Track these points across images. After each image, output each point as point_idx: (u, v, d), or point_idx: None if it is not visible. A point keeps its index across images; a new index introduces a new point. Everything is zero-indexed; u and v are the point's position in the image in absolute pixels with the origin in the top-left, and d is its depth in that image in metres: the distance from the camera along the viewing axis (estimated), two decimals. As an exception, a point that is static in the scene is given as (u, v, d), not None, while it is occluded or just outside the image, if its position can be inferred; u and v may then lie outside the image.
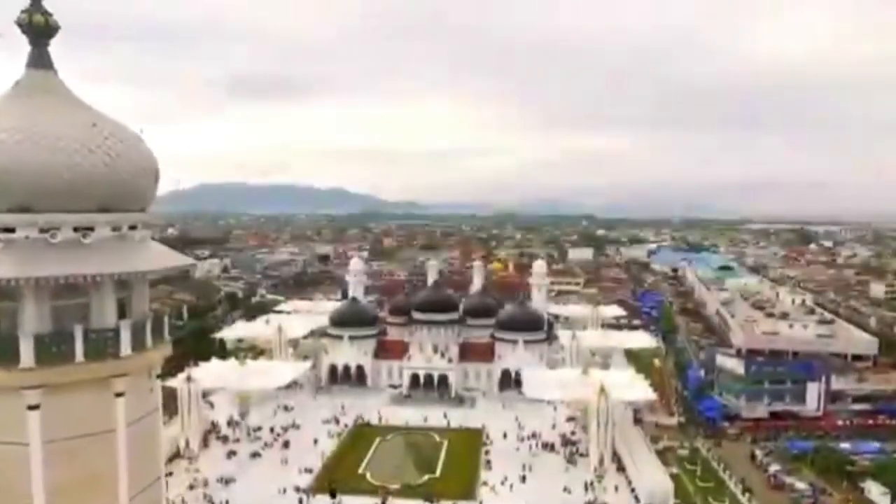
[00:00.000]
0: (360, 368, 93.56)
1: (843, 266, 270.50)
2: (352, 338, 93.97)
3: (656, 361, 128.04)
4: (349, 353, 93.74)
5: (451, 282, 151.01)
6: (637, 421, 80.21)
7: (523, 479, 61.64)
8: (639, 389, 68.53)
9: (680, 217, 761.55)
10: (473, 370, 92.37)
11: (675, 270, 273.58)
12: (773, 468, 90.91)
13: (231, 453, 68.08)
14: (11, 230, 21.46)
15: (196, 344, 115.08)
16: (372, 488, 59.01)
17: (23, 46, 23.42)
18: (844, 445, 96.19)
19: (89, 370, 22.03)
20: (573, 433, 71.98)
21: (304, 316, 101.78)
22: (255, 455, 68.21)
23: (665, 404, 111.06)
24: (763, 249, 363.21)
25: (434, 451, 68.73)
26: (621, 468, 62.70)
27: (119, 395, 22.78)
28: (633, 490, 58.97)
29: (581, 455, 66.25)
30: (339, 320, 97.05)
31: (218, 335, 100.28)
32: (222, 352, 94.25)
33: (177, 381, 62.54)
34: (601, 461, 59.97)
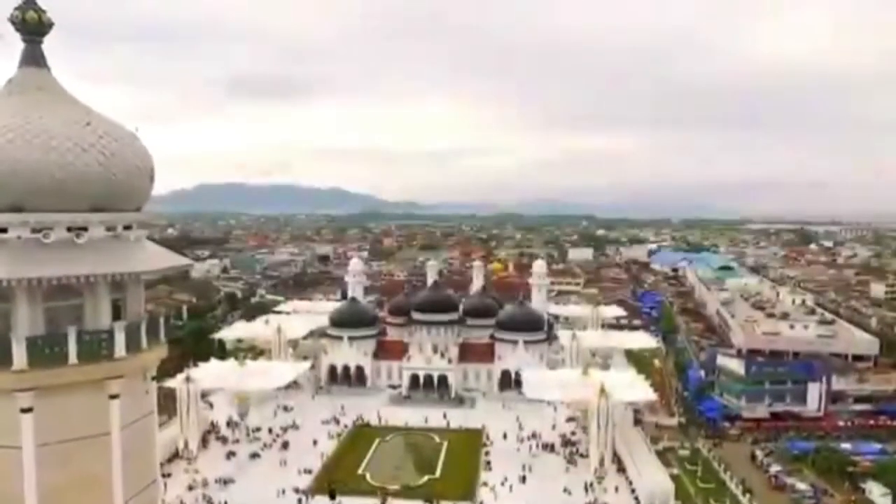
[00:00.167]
0: (359, 369, 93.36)
1: (843, 266, 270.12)
2: (351, 338, 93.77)
3: (656, 362, 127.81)
4: (349, 353, 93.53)
5: (450, 282, 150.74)
6: (637, 421, 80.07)
7: (523, 479, 61.55)
8: (639, 390, 68.32)
9: (680, 217, 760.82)
10: (473, 370, 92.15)
11: (675, 270, 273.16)
12: (774, 469, 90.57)
13: (230, 454, 68.03)
14: (3, 230, 21.16)
15: (195, 344, 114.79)
16: (371, 489, 58.89)
17: (18, 44, 23.17)
18: (845, 446, 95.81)
19: (83, 372, 21.72)
20: (573, 434, 71.80)
21: (303, 316, 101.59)
22: (254, 456, 68.12)
23: (665, 405, 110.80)
24: (763, 249, 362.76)
25: (434, 452, 68.58)
26: (622, 469, 62.59)
27: (113, 397, 22.44)
28: (633, 491, 58.85)
29: (581, 456, 66.05)
30: (339, 321, 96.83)
31: (217, 335, 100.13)
32: (221, 352, 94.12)
33: (176, 382, 62.28)
34: (601, 462, 59.63)
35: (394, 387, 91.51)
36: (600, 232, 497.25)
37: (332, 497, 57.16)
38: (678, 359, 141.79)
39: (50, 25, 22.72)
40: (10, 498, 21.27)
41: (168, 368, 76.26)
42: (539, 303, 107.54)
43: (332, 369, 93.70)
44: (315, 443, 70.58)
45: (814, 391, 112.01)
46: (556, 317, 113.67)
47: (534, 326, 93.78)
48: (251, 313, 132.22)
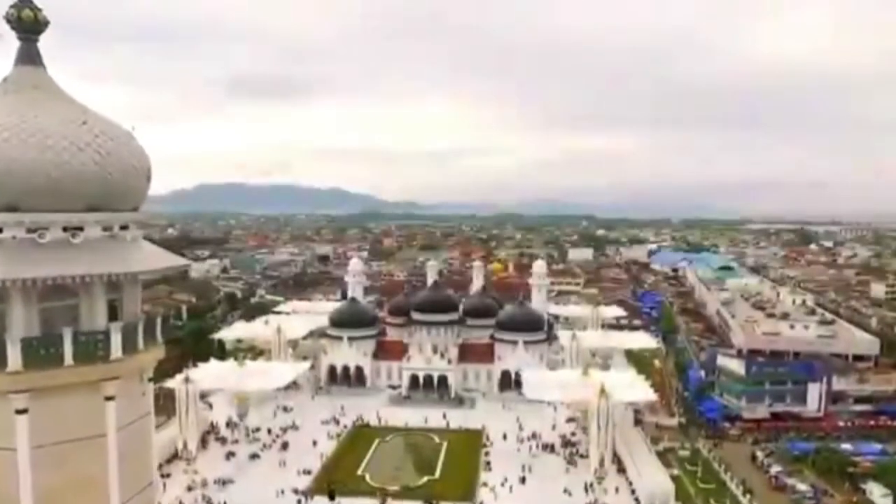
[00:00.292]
0: (359, 369, 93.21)
1: (843, 266, 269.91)
2: (351, 338, 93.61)
3: (656, 362, 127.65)
4: (348, 353, 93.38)
5: (450, 282, 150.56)
6: (637, 422, 79.93)
7: (523, 480, 61.46)
8: (639, 390, 68.17)
9: (680, 217, 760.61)
10: (473, 371, 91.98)
11: (675, 271, 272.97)
12: (775, 469, 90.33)
13: (230, 454, 67.90)
14: (-2, 230, 20.90)
15: (195, 344, 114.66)
16: (371, 490, 58.76)
17: (14, 42, 22.93)
18: (846, 446, 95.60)
19: (78, 374, 21.53)
20: (573, 434, 71.65)
21: (303, 316, 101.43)
22: (253, 456, 67.99)
23: (665, 405, 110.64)
24: (763, 249, 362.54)
25: (433, 453, 68.44)
26: (622, 469, 62.47)
27: (109, 398, 22.25)
28: (633, 491, 58.74)
29: (581, 456, 65.88)
30: (339, 321, 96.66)
31: (217, 336, 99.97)
32: (221, 352, 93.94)
33: (175, 382, 62.14)
34: (601, 462, 59.41)
35: (393, 387, 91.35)
36: (600, 232, 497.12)
37: (332, 498, 57.02)
38: (678, 359, 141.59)
39: (46, 24, 22.53)
40: (5, 500, 21.09)
41: (167, 369, 76.15)
42: (539, 303, 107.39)
43: (332, 370, 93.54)
44: (315, 443, 70.43)
45: (814, 391, 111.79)
46: (556, 317, 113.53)
47: (534, 327, 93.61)
48: (251, 313, 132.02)
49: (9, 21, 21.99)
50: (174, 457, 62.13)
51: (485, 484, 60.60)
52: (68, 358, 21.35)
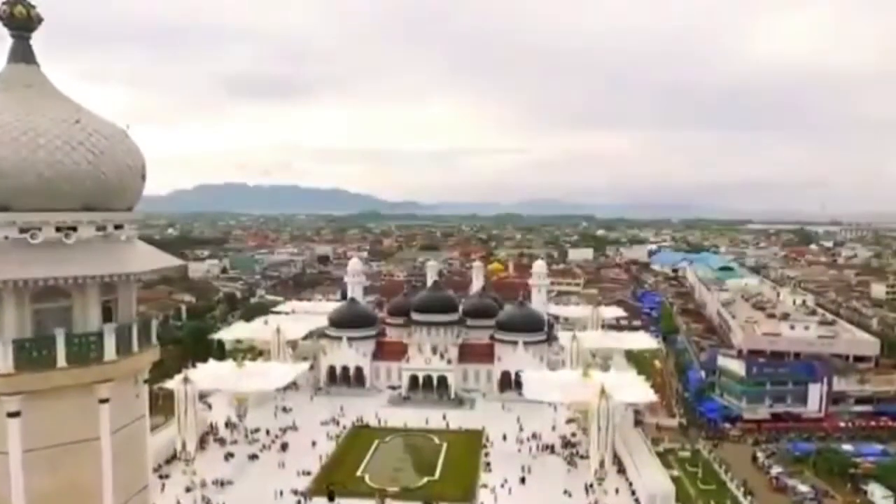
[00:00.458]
0: (358, 370, 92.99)
1: (843, 266, 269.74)
2: (351, 339, 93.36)
3: (657, 363, 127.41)
4: (348, 354, 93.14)
5: (450, 282, 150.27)
6: (638, 423, 79.73)
7: (523, 481, 61.24)
8: (639, 391, 67.99)
9: (680, 217, 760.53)
10: (473, 371, 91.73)
11: (675, 271, 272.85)
12: (775, 470, 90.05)
13: (228, 455, 67.69)
14: (-10, 230, 20.56)
15: (194, 345, 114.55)
16: (370, 491, 58.49)
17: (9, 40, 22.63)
18: (847, 447, 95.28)
19: (72, 376, 21.19)
20: (573, 435, 71.39)
21: (302, 317, 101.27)
22: (252, 457, 67.79)
23: (666, 406, 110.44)
24: (763, 250, 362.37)
25: (433, 454, 68.19)
26: (622, 470, 62.29)
27: (103, 401, 21.91)
28: (633, 492, 58.58)
29: (581, 457, 65.61)
30: (338, 321, 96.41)
31: (216, 336, 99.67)
32: (220, 353, 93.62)
33: (174, 383, 61.90)
34: (602, 463, 59.08)
35: (393, 388, 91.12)
36: (600, 232, 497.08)
37: (331, 499, 56.77)
38: (678, 359, 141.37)
39: (39, 21, 22.20)
40: (-4, 504, 20.80)
41: (167, 369, 76.10)
42: (539, 303, 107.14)
43: (332, 370, 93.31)
44: (314, 444, 70.17)
45: (815, 392, 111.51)
46: (556, 317, 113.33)
47: (534, 327, 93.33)
48: (250, 314, 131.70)
49: (0, 18, 21.67)
50: (173, 458, 61.92)
51: (484, 485, 60.38)
52: (61, 360, 21.02)
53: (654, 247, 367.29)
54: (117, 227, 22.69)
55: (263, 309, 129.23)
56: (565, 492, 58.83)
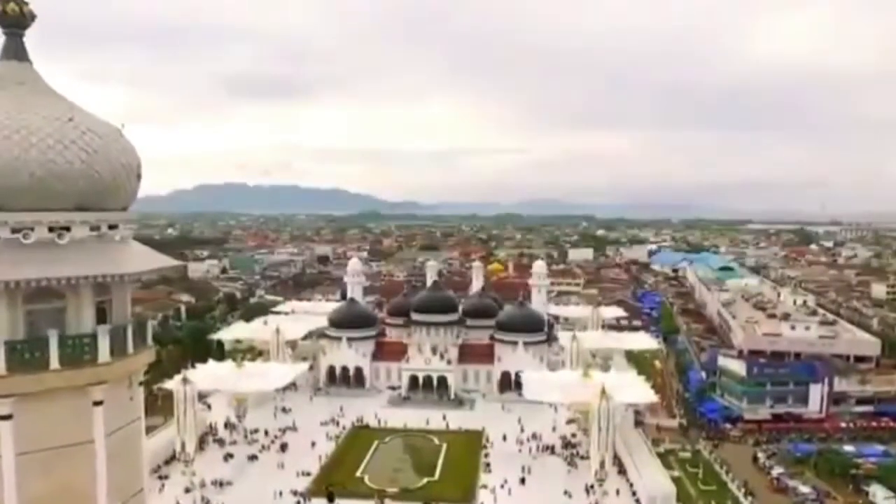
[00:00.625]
0: (358, 370, 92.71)
1: (843, 266, 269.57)
2: (350, 339, 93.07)
3: (657, 363, 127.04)
4: (348, 354, 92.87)
5: (450, 282, 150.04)
6: (638, 423, 79.47)
7: (523, 481, 60.94)
8: (640, 391, 67.75)
9: (680, 217, 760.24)
10: (473, 372, 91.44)
11: (675, 271, 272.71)
12: (776, 471, 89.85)
13: (228, 456, 67.41)
14: (-19, 230, 20.26)
15: (194, 345, 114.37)
16: (370, 491, 58.19)
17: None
18: (848, 448, 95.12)
19: (65, 378, 20.86)
20: (573, 436, 71.07)
21: (302, 317, 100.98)
22: (252, 458, 67.50)
23: (666, 406, 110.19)
24: (763, 250, 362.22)
25: (433, 454, 67.88)
26: (622, 471, 61.95)
27: (97, 403, 21.60)
28: (634, 493, 58.26)
29: (582, 458, 65.28)
30: (338, 321, 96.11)
31: (216, 336, 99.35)
32: (220, 353, 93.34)
33: (173, 383, 61.66)
34: (602, 464, 58.85)
35: (393, 388, 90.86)
36: (600, 232, 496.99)
37: (331, 499, 56.44)
38: (679, 360, 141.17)
39: (32, 18, 21.89)
40: (-11, 509, 20.48)
41: (166, 369, 75.98)
42: (539, 303, 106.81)
43: (331, 370, 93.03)
44: (313, 444, 69.86)
45: (815, 392, 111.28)
46: (556, 317, 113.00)
47: (534, 327, 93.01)
48: (250, 314, 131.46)
49: None
50: (172, 458, 61.66)
51: (484, 486, 60.08)
52: (54, 362, 20.69)
53: (654, 247, 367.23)
54: (112, 227, 22.36)
55: (263, 309, 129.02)
56: (565, 492, 58.52)
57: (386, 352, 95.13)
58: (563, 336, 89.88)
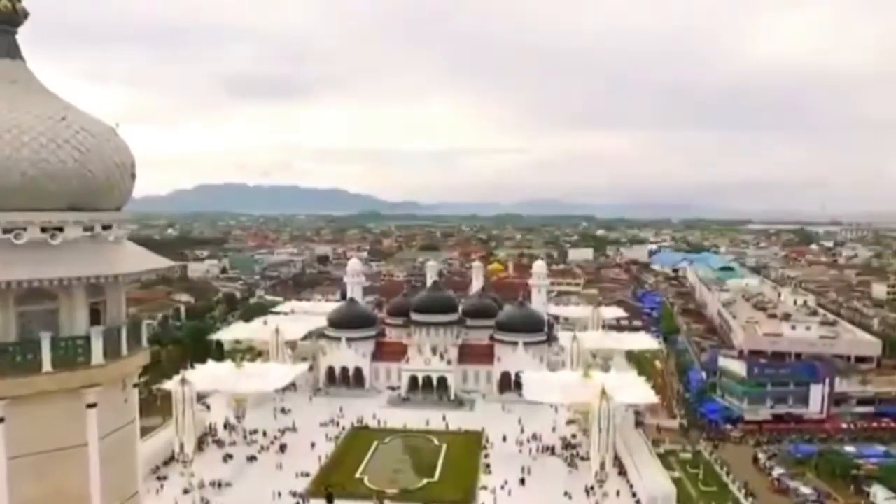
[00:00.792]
0: (358, 370, 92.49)
1: (844, 266, 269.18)
2: (350, 339, 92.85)
3: (657, 363, 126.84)
4: (347, 354, 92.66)
5: (450, 283, 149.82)
6: (638, 424, 79.19)
7: (523, 482, 60.75)
8: (640, 392, 67.50)
9: (680, 217, 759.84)
10: (473, 372, 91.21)
11: (675, 271, 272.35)
12: (777, 472, 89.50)
13: (227, 457, 67.22)
14: (-28, 231, 19.95)
15: (193, 345, 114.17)
16: (369, 493, 58.03)
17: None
18: (849, 449, 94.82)
19: (58, 381, 20.56)
20: (574, 436, 70.86)
21: (302, 317, 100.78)
22: (251, 458, 67.30)
23: (666, 407, 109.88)
24: (763, 250, 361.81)
25: (433, 455, 67.70)
26: (623, 472, 61.76)
27: (91, 406, 21.30)
28: (634, 494, 58.06)
29: (582, 458, 65.05)
30: (338, 322, 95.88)
31: (215, 336, 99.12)
32: (219, 353, 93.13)
33: (172, 384, 61.44)
34: (602, 465, 58.56)
35: (393, 388, 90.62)
36: (600, 232, 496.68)
37: (330, 500, 56.22)
38: (679, 360, 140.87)
39: (25, 15, 21.57)
40: (-20, 513, 20.19)
41: (165, 369, 75.74)
42: (539, 304, 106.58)
43: (331, 371, 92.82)
44: (313, 445, 69.66)
45: (816, 393, 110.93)
46: (557, 318, 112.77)
47: (534, 327, 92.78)
48: (250, 314, 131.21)
49: None
50: (171, 459, 61.51)
51: (484, 486, 59.88)
52: (46, 364, 20.39)
53: (654, 247, 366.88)
54: (105, 227, 22.04)
55: (263, 309, 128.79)
56: (566, 493, 58.29)
57: (386, 352, 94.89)
58: (564, 336, 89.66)
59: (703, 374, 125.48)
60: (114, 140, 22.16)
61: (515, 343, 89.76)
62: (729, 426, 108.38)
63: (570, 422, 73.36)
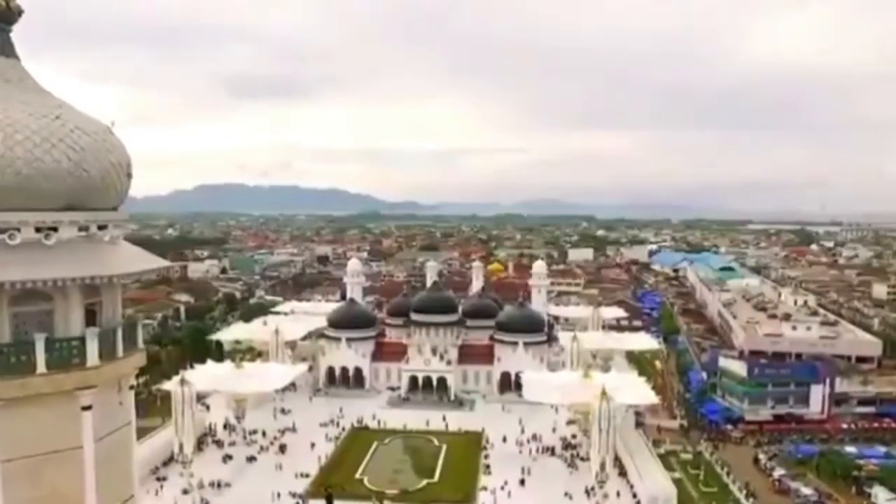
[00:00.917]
0: (358, 371, 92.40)
1: (844, 267, 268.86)
2: (350, 340, 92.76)
3: (658, 363, 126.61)
4: (347, 355, 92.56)
5: (450, 283, 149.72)
6: (639, 424, 79.14)
7: (523, 483, 60.68)
8: (640, 392, 67.40)
9: (680, 217, 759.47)
10: (473, 372, 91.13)
11: (675, 271, 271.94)
12: (778, 472, 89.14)
13: (226, 457, 67.24)
14: (-35, 231, 19.69)
15: (193, 345, 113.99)
16: (369, 493, 57.93)
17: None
18: (850, 449, 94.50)
19: (52, 382, 20.28)
20: (574, 437, 70.75)
21: (302, 317, 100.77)
22: (250, 459, 67.31)
23: (667, 407, 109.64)
24: (764, 250, 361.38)
25: (433, 455, 67.67)
26: (623, 473, 61.65)
27: (86, 408, 21.04)
28: (635, 495, 57.95)
29: (582, 459, 64.96)
30: (338, 322, 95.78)
31: (215, 337, 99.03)
32: (219, 353, 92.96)
33: (171, 384, 61.27)
34: (603, 466, 58.32)
35: (393, 389, 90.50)
36: (600, 232, 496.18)
37: (329, 501, 55.90)
38: (679, 360, 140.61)
39: (19, 13, 21.26)
40: (-27, 518, 19.96)
41: (165, 370, 75.54)
42: (539, 304, 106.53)
43: (331, 371, 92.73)
44: (312, 446, 69.63)
45: (817, 393, 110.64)
46: (557, 318, 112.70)
47: (534, 328, 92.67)
48: (249, 314, 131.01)
49: None
50: (170, 459, 61.56)
51: (484, 487, 59.82)
52: (41, 366, 20.11)
53: (654, 247, 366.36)
54: (101, 227, 21.75)
55: (263, 309, 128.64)
56: (566, 494, 58.21)
57: (385, 352, 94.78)
58: (564, 336, 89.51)
59: (704, 375, 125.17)
60: (109, 139, 21.89)
61: (515, 343, 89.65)
62: (729, 426, 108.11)
63: (570, 422, 73.23)
